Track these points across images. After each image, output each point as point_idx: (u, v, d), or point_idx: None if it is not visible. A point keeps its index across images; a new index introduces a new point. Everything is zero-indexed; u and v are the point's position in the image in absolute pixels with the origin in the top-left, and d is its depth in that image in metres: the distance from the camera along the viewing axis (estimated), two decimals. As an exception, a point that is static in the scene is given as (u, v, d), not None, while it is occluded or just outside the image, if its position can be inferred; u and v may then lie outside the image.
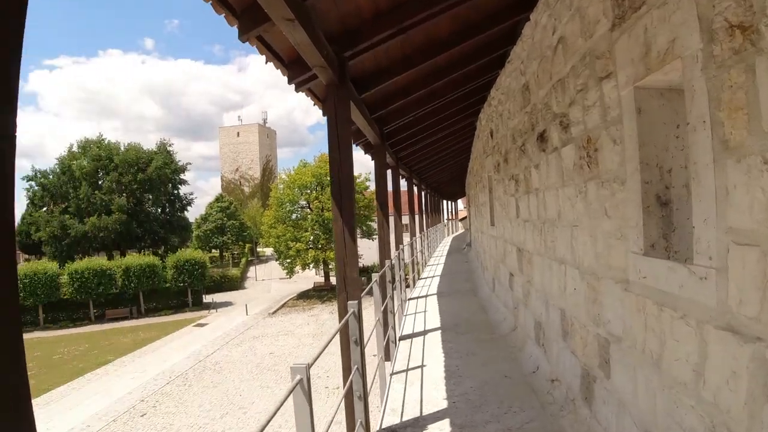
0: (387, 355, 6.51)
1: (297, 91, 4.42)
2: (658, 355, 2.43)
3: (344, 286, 3.95)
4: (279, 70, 4.14)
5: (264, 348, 28.70)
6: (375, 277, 4.76)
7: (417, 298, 9.52)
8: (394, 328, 6.25)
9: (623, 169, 2.74)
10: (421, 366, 5.43)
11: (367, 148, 6.90)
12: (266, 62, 3.82)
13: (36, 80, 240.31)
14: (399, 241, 9.32)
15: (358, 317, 3.50)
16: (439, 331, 6.72)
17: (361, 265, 44.81)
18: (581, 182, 3.47)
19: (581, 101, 3.38)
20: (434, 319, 7.49)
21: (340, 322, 3.51)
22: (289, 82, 4.22)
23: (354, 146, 6.76)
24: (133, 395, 21.70)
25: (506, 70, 6.09)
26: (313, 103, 4.99)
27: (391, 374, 5.27)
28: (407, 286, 10.76)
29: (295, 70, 4.14)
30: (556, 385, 4.28)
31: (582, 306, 3.59)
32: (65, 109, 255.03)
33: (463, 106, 7.88)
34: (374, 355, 5.09)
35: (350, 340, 3.53)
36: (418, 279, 12.17)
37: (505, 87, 6.25)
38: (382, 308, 5.59)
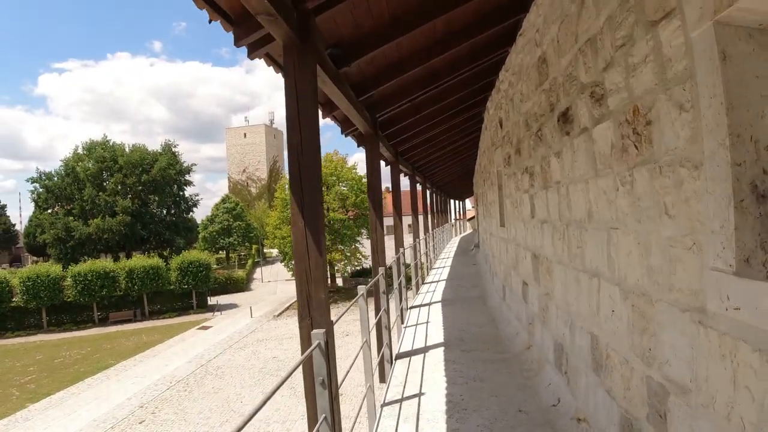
0: (382, 376, 5.66)
1: (251, 57, 3.63)
2: (756, 430, 1.57)
3: (307, 311, 3.11)
4: (223, 27, 3.23)
5: (267, 352, 28.20)
6: (362, 289, 3.91)
7: (420, 306, 8.65)
8: (390, 345, 5.39)
9: (696, 148, 1.86)
10: (419, 394, 4.55)
11: (360, 140, 6.06)
12: (210, 21, 2.99)
13: (45, 83, 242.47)
14: (399, 244, 8.48)
15: (326, 351, 2.71)
16: (442, 348, 5.85)
17: (366, 266, 44.22)
18: (624, 170, 2.59)
19: (623, 60, 2.50)
20: (437, 333, 6.62)
21: (302, 354, 2.77)
22: (236, 43, 3.35)
23: (345, 136, 5.94)
24: (133, 401, 21.20)
25: (517, 45, 5.21)
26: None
27: (383, 405, 4.40)
28: (410, 290, 9.90)
29: (245, 27, 3.27)
30: (584, 428, 3.39)
31: (624, 335, 2.71)
32: (74, 111, 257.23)
33: (467, 93, 7.02)
34: (366, 386, 4.22)
35: (315, 382, 2.74)
36: (422, 283, 11.29)
37: (516, 66, 5.37)
38: (375, 322, 4.75)
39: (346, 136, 5.81)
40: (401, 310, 7.88)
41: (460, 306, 8.33)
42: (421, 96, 5.85)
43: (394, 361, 5.42)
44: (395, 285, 7.10)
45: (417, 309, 8.34)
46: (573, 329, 3.72)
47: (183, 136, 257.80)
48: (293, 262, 3.10)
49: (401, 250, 8.03)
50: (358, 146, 6.01)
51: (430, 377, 4.98)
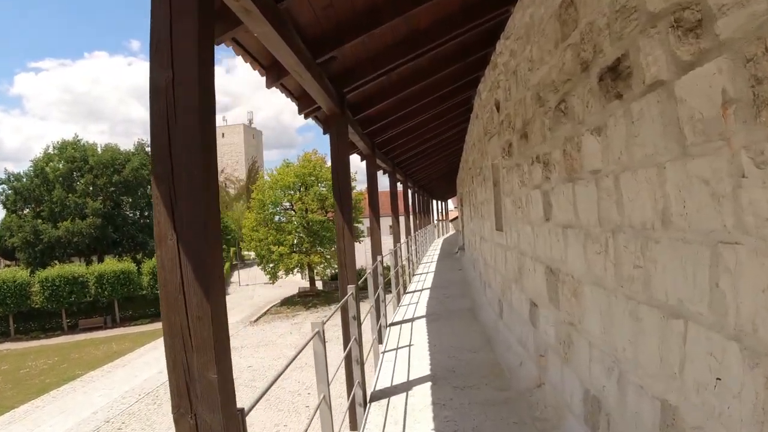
0: (353, 423, 4.44)
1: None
2: None
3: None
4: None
5: (243, 361, 27.13)
6: (316, 327, 2.71)
7: (401, 322, 7.44)
8: (363, 384, 4.17)
9: None
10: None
11: (325, 124, 4.83)
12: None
13: (21, 83, 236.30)
14: (377, 250, 7.30)
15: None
16: (429, 384, 4.66)
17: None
18: (761, 139, 1.44)
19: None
20: (422, 360, 5.43)
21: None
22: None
23: (305, 118, 4.72)
24: (99, 415, 20.06)
25: (523, 1, 4.06)
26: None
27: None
28: (389, 294, 8.71)
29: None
30: None
31: (751, 424, 1.56)
32: (52, 111, 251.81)
33: (458, 69, 5.89)
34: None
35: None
36: (404, 293, 10.09)
37: (522, 27, 4.21)
38: (344, 355, 3.56)
39: (306, 117, 4.59)
40: (379, 328, 6.68)
41: (448, 322, 7.15)
42: (400, 66, 4.63)
43: (368, 405, 4.21)
44: (371, 299, 5.90)
45: (398, 327, 7.14)
46: (623, 384, 2.55)
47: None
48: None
49: (378, 258, 6.83)
50: (324, 132, 4.81)
51: (414, 429, 3.79)
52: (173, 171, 1.64)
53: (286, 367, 2.22)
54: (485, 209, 7.16)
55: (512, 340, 5.32)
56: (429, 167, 16.24)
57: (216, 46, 2.76)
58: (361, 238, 39.56)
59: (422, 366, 5.21)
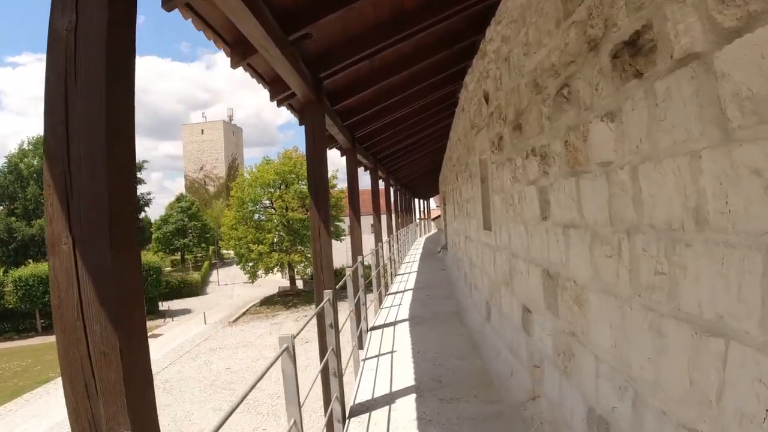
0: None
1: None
2: None
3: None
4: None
5: (221, 362, 26.73)
6: (285, 342, 2.34)
7: (383, 326, 7.08)
8: (341, 398, 3.80)
9: None
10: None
11: (300, 113, 4.40)
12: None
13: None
14: (358, 250, 6.93)
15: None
16: (414, 396, 4.31)
17: (329, 267, 42.35)
18: None
19: None
20: (406, 369, 5.08)
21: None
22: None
23: (278, 106, 4.32)
24: None
25: (518, -20, 3.73)
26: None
27: None
28: (371, 294, 8.35)
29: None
30: None
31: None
32: (29, 107, 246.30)
33: (444, 58, 5.54)
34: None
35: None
36: (386, 294, 9.73)
37: (516, 8, 3.87)
38: (300, 403, 3.20)
39: (279, 105, 4.18)
40: (360, 333, 6.31)
41: (433, 326, 6.81)
42: (382, 50, 4.24)
43: (347, 421, 3.84)
44: (351, 303, 5.53)
45: (380, 331, 6.78)
46: (639, 406, 2.22)
47: (141, 133, 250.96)
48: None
49: (359, 258, 6.46)
50: (300, 123, 4.40)
51: (397, 449, 3.43)
52: (69, 149, 1.21)
53: (246, 393, 1.84)
54: (471, 207, 6.84)
55: (501, 346, 5.00)
56: (412, 164, 15.89)
57: (168, 12, 2.36)
58: (342, 237, 39.16)
59: (406, 375, 4.86)
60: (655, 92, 1.96)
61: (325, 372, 3.69)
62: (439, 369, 4.99)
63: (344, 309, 5.83)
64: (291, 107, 4.52)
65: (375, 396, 4.31)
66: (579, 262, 2.82)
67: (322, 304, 3.54)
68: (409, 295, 9.38)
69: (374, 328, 6.96)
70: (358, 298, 6.35)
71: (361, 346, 6.35)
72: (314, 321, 3.81)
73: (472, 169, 6.37)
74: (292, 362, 2.29)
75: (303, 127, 4.12)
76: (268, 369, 2.27)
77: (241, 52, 3.54)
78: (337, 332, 3.73)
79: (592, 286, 2.67)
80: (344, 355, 4.46)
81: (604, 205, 2.45)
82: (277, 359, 2.30)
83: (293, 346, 2.32)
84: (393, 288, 10.62)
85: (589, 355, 2.76)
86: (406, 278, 12.05)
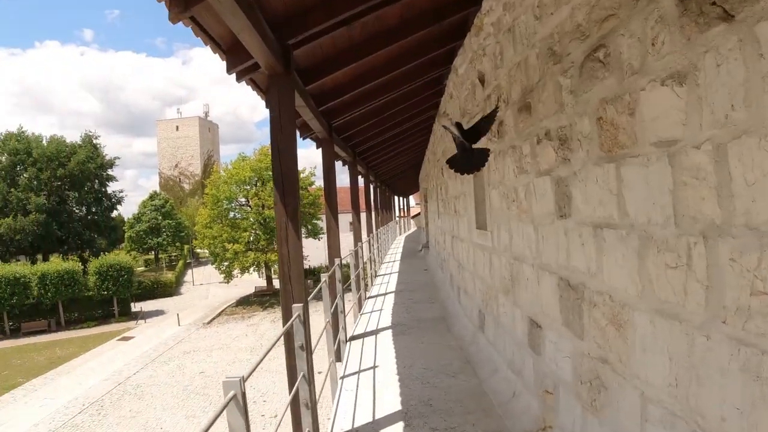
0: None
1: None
2: None
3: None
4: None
5: (194, 366, 25.96)
6: (230, 389, 1.67)
7: (363, 335, 6.40)
8: (313, 419, 3.14)
9: None
10: None
11: (266, 90, 3.72)
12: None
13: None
14: (335, 252, 6.25)
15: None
16: (401, 425, 3.66)
17: (306, 266, 41.55)
18: None
19: None
20: (390, 387, 4.43)
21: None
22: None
23: (238, 81, 3.60)
24: (40, 428, 19.02)
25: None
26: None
27: None
28: (356, 294, 7.69)
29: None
30: None
31: None
32: (1, 102, 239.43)
33: (431, 33, 4.89)
34: None
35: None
36: (366, 297, 9.07)
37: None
38: (289, 399, 2.54)
39: (239, 79, 3.46)
40: (338, 344, 5.65)
41: (418, 335, 6.17)
42: (360, 16, 3.54)
43: (322, 459, 3.19)
44: (329, 313, 4.86)
45: (360, 341, 6.10)
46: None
47: (115, 130, 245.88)
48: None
49: (337, 262, 5.78)
50: (266, 104, 3.66)
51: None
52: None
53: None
54: (461, 204, 6.21)
55: (499, 361, 4.39)
56: (392, 159, 15.21)
57: None
58: (320, 236, 38.33)
59: (391, 397, 4.21)
60: (758, 39, 1.34)
61: (295, 404, 3.02)
62: (429, 389, 4.35)
63: (319, 310, 5.13)
64: (253, 83, 3.78)
65: (356, 425, 3.65)
66: (618, 272, 2.20)
67: (291, 321, 2.87)
68: (390, 299, 8.73)
69: (354, 337, 6.29)
70: (336, 306, 5.69)
71: (339, 359, 5.70)
72: (282, 339, 3.13)
73: (463, 161, 5.74)
74: (243, 415, 1.62)
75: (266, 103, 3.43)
76: (211, 424, 1.59)
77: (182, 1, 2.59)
78: (310, 354, 3.07)
79: (639, 305, 2.05)
80: (318, 369, 3.78)
81: (664, 199, 1.83)
82: (222, 410, 1.63)
83: (243, 392, 1.65)
84: (373, 290, 9.95)
85: (632, 390, 2.15)
86: (387, 279, 11.39)
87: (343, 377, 4.85)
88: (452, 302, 7.36)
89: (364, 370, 4.99)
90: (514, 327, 3.96)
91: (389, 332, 6.36)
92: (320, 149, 6.68)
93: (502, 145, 3.95)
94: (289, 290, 3.31)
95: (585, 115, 2.48)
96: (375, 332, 6.45)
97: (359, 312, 7.74)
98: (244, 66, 3.33)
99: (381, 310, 7.84)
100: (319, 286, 4.32)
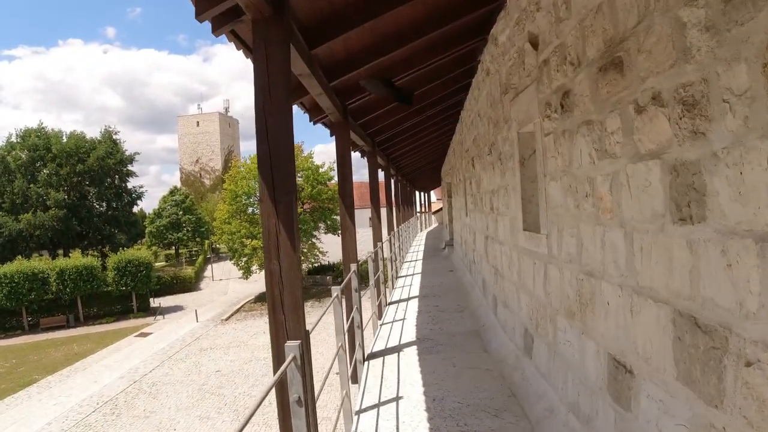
0: None
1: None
2: None
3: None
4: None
5: (211, 364, 25.50)
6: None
7: (383, 354, 5.45)
8: None
9: None
10: None
11: (259, 56, 2.96)
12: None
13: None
14: (350, 254, 5.32)
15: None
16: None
17: (326, 261, 40.76)
18: None
19: None
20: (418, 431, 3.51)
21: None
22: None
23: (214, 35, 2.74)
24: (53, 427, 18.60)
25: None
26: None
27: None
28: (375, 302, 6.77)
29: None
30: None
31: None
32: (25, 100, 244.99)
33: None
34: None
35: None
36: (386, 304, 8.13)
37: None
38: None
39: (216, 32, 2.60)
40: (354, 365, 4.75)
41: (448, 354, 5.21)
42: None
43: None
44: (343, 332, 3.94)
45: (379, 361, 5.17)
46: None
47: (139, 126, 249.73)
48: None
49: (353, 269, 4.85)
50: (252, 59, 2.82)
51: None
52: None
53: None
54: (500, 200, 5.22)
55: (554, 399, 3.43)
56: (414, 151, 14.19)
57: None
58: (339, 231, 37.50)
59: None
60: None
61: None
62: (467, 436, 3.41)
63: (331, 319, 4.23)
64: (236, 37, 2.86)
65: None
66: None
67: (283, 367, 1.94)
68: (414, 306, 7.78)
69: (373, 355, 5.36)
70: (351, 319, 4.78)
71: (356, 380, 4.80)
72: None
73: (504, 148, 4.75)
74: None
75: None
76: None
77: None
78: (311, 412, 2.16)
79: None
80: (328, 400, 2.87)
81: None
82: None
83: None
84: (395, 294, 9.00)
85: None
86: (409, 281, 10.43)
87: (358, 412, 3.93)
88: (486, 312, 6.39)
89: (385, 402, 4.06)
90: (582, 362, 2.99)
91: (413, 350, 5.42)
92: (334, 136, 5.75)
93: (569, 122, 2.98)
94: (281, 322, 2.41)
95: (738, 60, 1.51)
96: (397, 349, 5.52)
97: (379, 322, 6.81)
98: (221, 10, 2.43)
99: (404, 319, 6.90)
100: (330, 303, 3.41)
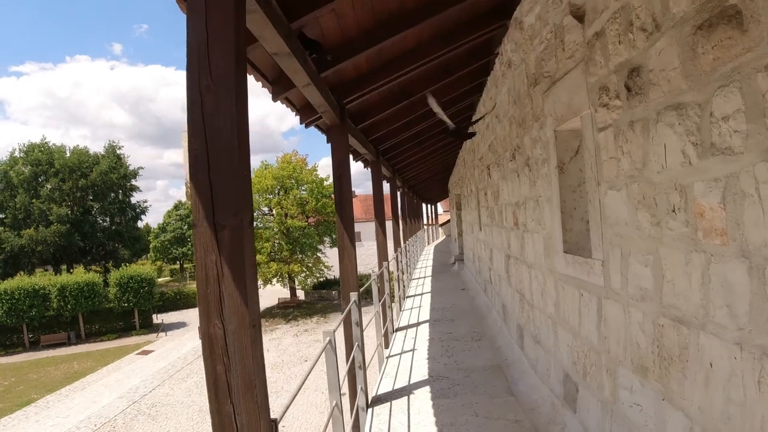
0: None
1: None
2: None
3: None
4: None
5: None
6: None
7: (389, 398, 4.53)
8: None
9: None
10: None
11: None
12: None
13: (2, 87, 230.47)
14: (349, 280, 4.49)
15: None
16: None
17: (332, 276, 39.93)
18: None
19: None
20: None
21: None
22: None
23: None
24: None
25: None
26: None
27: None
28: (380, 330, 5.91)
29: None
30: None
31: None
32: (33, 116, 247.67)
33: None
34: None
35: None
36: (394, 331, 7.26)
37: None
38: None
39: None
40: (356, 411, 3.91)
41: (468, 399, 4.34)
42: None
43: None
44: (337, 388, 3.11)
45: (386, 406, 4.31)
46: None
47: (147, 141, 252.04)
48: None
49: (353, 298, 4.00)
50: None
51: None
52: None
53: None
54: (528, 214, 4.34)
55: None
56: (421, 162, 13.37)
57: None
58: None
59: None
60: None
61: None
62: None
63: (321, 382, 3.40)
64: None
65: None
66: None
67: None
68: (424, 333, 6.91)
69: (378, 400, 4.48)
70: (353, 359, 3.95)
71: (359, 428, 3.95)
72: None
73: (535, 152, 3.92)
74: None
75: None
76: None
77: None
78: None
79: None
80: None
81: None
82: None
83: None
84: (403, 318, 8.14)
85: None
86: (418, 302, 9.56)
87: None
88: (508, 343, 5.53)
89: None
90: (661, 436, 2.16)
91: (426, 392, 4.57)
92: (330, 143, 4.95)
93: (641, 108, 2.17)
94: (228, 415, 1.63)
95: None
96: (406, 391, 4.66)
97: (385, 353, 5.97)
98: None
99: (413, 350, 6.05)
100: (322, 351, 2.61)
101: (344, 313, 3.72)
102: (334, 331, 2.85)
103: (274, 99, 3.79)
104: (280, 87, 3.67)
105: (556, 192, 3.35)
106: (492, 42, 5.05)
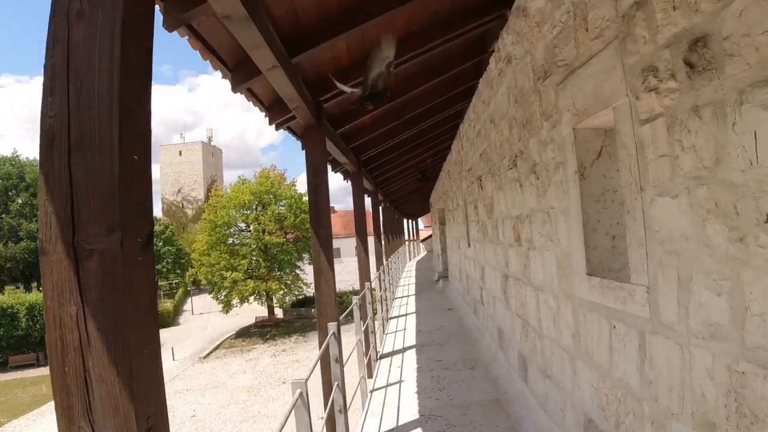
0: None
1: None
2: None
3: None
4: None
5: (185, 408, 23.82)
6: None
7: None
8: None
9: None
10: None
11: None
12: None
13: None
14: (326, 309, 3.85)
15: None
16: None
17: (309, 294, 39.03)
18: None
19: None
20: None
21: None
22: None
23: None
24: None
25: None
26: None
27: None
28: (363, 361, 5.25)
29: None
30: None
31: None
32: (11, 129, 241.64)
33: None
34: None
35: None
36: (378, 358, 6.57)
37: None
38: None
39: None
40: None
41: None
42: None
43: None
44: (320, 412, 2.49)
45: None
46: None
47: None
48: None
49: (332, 330, 3.34)
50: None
51: None
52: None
53: None
54: (535, 228, 3.75)
55: None
56: (403, 175, 12.85)
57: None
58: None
59: None
60: None
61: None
62: None
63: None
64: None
65: None
66: None
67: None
68: (411, 360, 6.28)
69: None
70: (332, 402, 3.32)
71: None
72: None
73: (544, 156, 3.36)
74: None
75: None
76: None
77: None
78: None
79: None
80: None
81: None
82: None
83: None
84: (387, 343, 7.49)
85: None
86: (402, 325, 8.92)
87: None
88: (507, 373, 4.94)
89: None
90: None
91: (417, 434, 3.96)
92: (306, 148, 4.33)
93: (710, 89, 1.64)
94: None
95: None
96: (394, 434, 4.03)
97: (369, 386, 5.33)
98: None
99: (400, 381, 5.42)
100: (290, 410, 2.01)
101: (321, 349, 3.07)
102: (307, 380, 2.23)
103: (234, 89, 3.15)
104: (241, 74, 3.06)
105: (576, 202, 2.80)
106: (485, 40, 4.56)
